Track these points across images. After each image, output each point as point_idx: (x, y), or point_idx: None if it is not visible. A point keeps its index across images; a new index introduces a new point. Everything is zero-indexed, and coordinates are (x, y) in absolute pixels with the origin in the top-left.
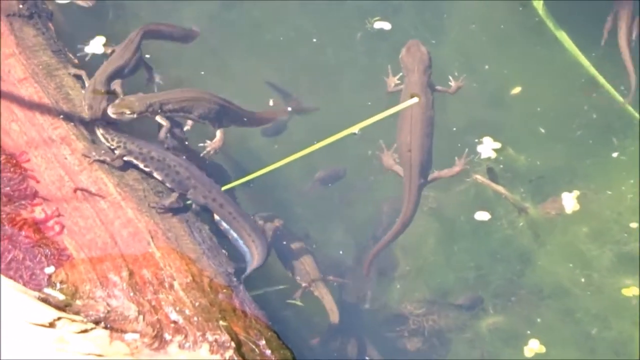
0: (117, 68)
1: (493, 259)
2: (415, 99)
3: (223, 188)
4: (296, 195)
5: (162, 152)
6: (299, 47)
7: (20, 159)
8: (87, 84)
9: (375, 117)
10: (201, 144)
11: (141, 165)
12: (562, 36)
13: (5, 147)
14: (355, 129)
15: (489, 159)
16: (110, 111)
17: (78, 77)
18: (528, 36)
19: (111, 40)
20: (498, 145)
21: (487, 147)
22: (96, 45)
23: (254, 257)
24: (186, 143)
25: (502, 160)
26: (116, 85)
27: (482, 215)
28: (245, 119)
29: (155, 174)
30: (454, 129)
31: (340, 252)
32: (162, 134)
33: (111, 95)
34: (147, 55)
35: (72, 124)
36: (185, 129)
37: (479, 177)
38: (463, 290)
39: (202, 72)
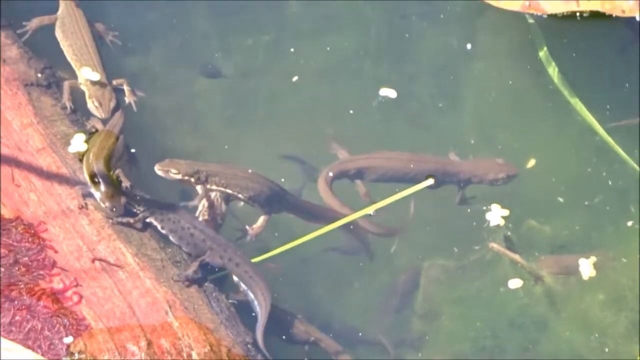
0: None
1: (509, 327)
2: (431, 181)
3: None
4: (314, 264)
5: (178, 215)
6: (316, 116)
7: (39, 229)
8: (95, 188)
9: (391, 198)
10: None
11: (159, 227)
12: (577, 104)
13: (24, 217)
14: (370, 209)
15: (498, 226)
16: (157, 167)
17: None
18: (543, 103)
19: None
20: (506, 212)
21: (496, 215)
22: (78, 143)
23: (262, 313)
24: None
25: (518, 229)
26: (120, 174)
27: (515, 283)
28: (300, 209)
29: (170, 237)
30: (470, 200)
31: (360, 334)
32: (195, 202)
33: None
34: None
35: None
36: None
37: (496, 246)
38: (480, 357)
39: (226, 146)
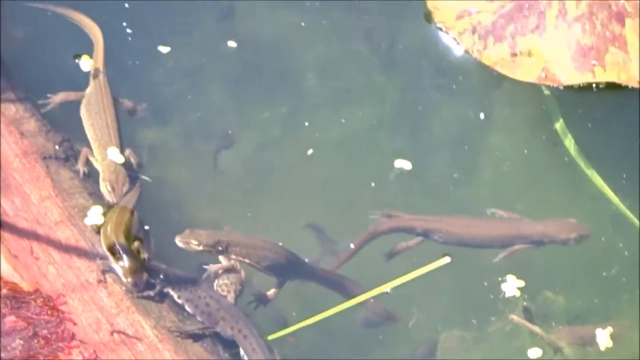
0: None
1: None
2: (447, 259)
3: (271, 337)
4: (332, 335)
5: (195, 285)
6: (333, 188)
7: (57, 302)
8: (117, 263)
9: (408, 275)
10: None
11: (175, 296)
12: (593, 175)
13: (43, 290)
14: (387, 287)
15: (513, 297)
16: (178, 239)
17: None
18: (559, 173)
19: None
20: (522, 283)
21: (511, 286)
22: (95, 216)
23: None
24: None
25: (534, 299)
26: (139, 246)
27: (535, 353)
28: (316, 277)
29: (186, 306)
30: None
31: None
32: (214, 269)
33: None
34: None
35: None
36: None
37: (515, 318)
38: None
39: (249, 214)
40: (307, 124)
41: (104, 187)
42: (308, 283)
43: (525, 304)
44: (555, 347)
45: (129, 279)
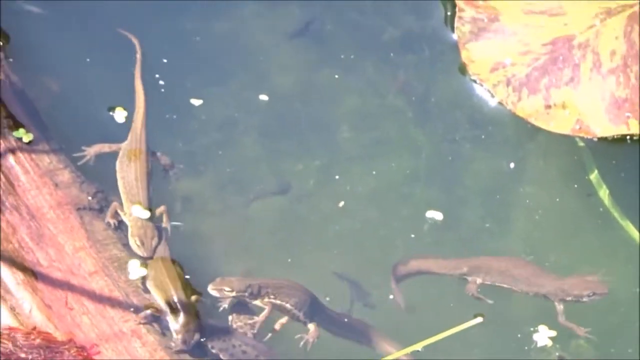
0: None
1: None
2: (480, 319)
3: None
4: None
5: (228, 333)
6: (366, 240)
7: (91, 352)
8: (174, 318)
9: (440, 335)
10: (297, 336)
11: (209, 346)
12: (628, 226)
13: (77, 339)
14: (419, 346)
15: (545, 346)
16: (210, 287)
17: None
18: (593, 224)
19: None
20: (554, 333)
21: (543, 336)
22: (136, 269)
23: None
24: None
25: (567, 348)
26: (197, 301)
27: None
28: (336, 323)
29: (220, 355)
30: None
31: None
32: (262, 317)
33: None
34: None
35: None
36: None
37: None
38: None
39: (288, 260)
40: (337, 177)
41: (133, 243)
42: (329, 329)
43: (558, 353)
44: None
45: (180, 336)
